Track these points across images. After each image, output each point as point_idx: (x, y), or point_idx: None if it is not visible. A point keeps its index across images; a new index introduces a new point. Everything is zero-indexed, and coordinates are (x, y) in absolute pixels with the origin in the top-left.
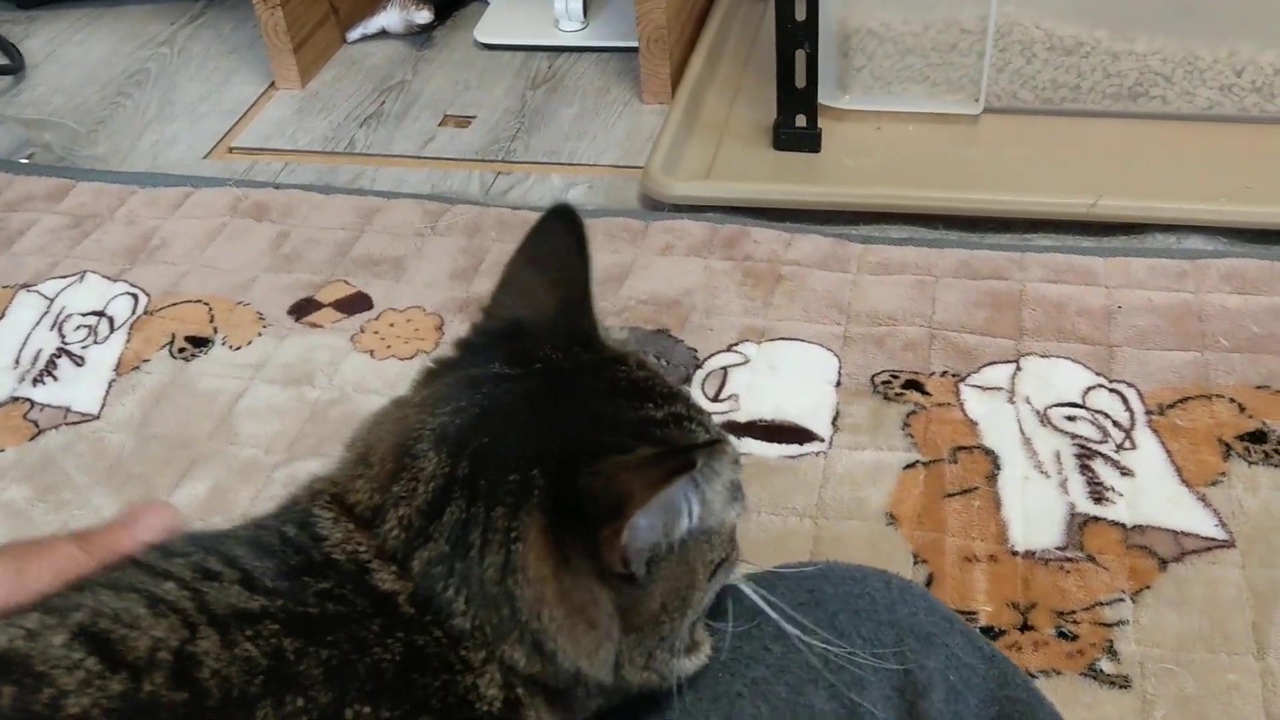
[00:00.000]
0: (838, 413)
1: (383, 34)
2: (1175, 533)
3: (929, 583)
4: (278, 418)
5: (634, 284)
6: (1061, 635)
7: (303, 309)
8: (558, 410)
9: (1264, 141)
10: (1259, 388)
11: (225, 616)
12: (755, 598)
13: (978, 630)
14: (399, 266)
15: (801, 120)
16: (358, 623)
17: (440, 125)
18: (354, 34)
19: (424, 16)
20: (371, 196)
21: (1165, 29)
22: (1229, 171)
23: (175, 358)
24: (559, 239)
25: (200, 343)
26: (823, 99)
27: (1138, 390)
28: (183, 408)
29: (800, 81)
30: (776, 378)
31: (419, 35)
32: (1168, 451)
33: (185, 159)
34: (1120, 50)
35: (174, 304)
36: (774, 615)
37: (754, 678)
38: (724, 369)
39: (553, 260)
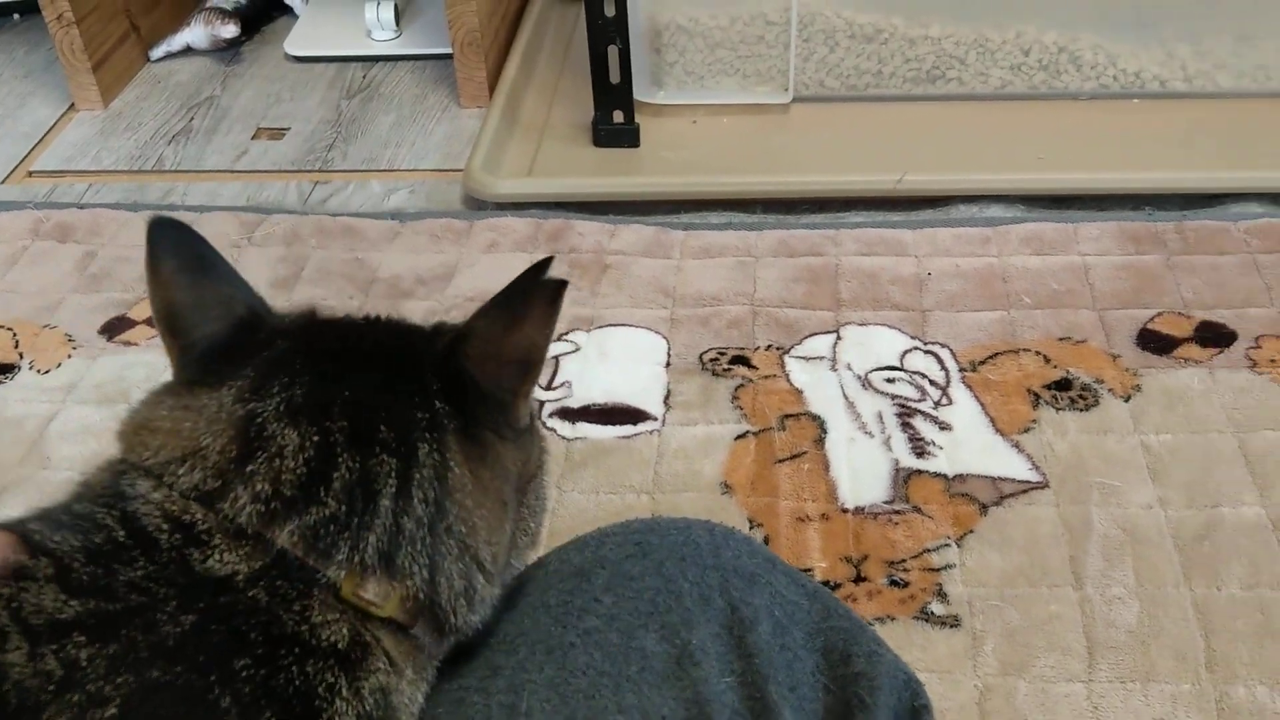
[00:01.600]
0: (669, 392)
1: (188, 51)
2: (993, 479)
3: (765, 543)
4: (93, 438)
5: (460, 283)
6: (893, 583)
7: (115, 328)
8: (375, 350)
9: (1053, 115)
10: (1061, 339)
11: (39, 628)
12: (585, 554)
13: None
14: None
15: (619, 116)
16: (159, 610)
17: (253, 139)
18: (158, 52)
19: (230, 31)
20: (183, 211)
21: (956, 14)
22: (1023, 144)
23: None
24: (178, 251)
25: (5, 369)
26: (639, 95)
27: (951, 350)
28: None
29: (615, 78)
30: (607, 363)
31: (226, 50)
32: (981, 404)
33: None
34: (916, 36)
35: None
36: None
37: (585, 628)
38: (555, 358)
39: (189, 269)
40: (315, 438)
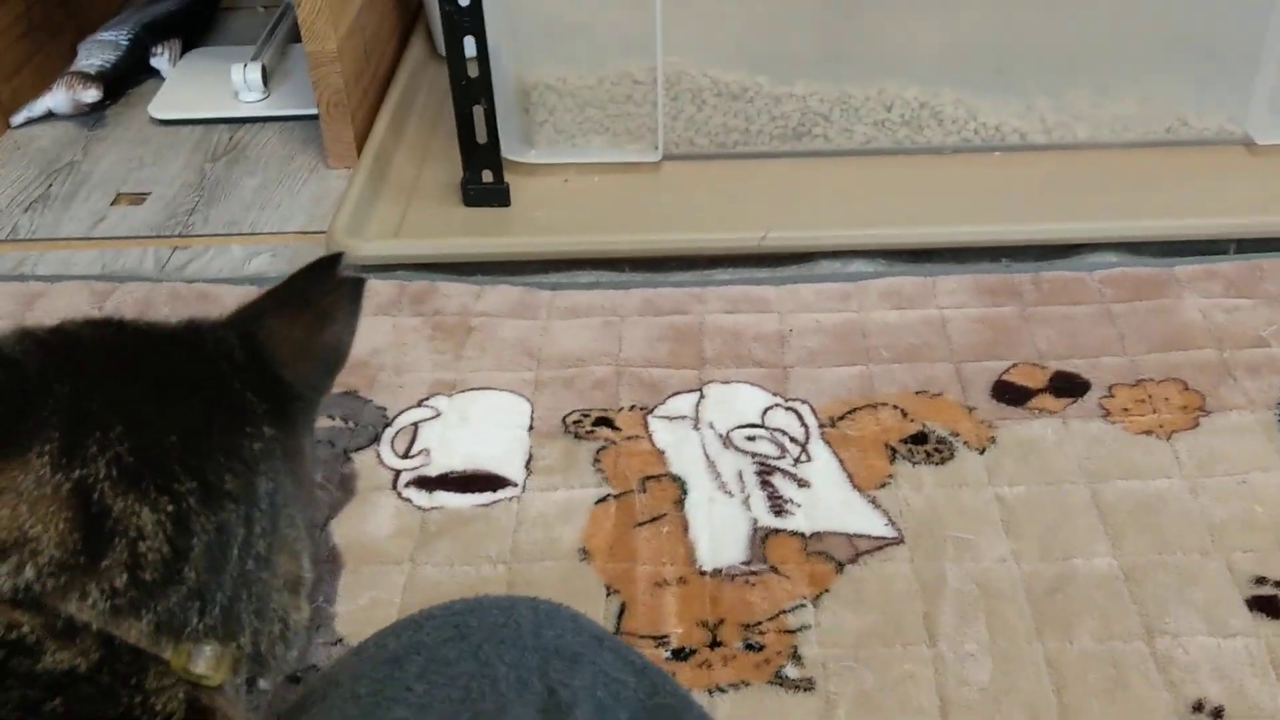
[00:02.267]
0: (530, 456)
1: (50, 116)
2: (849, 535)
3: (621, 612)
4: None
5: None
6: (749, 647)
7: None
8: (174, 370)
9: (916, 170)
10: (918, 392)
11: None
12: (401, 639)
13: (629, 647)
14: None
15: (488, 175)
16: None
17: (113, 204)
18: (19, 118)
19: (92, 95)
20: (33, 282)
21: (819, 73)
22: (887, 199)
23: None
24: None
25: None
26: (509, 154)
27: (811, 406)
28: None
29: (481, 137)
30: (469, 428)
31: (89, 115)
32: (840, 460)
33: None
34: (782, 93)
35: None
36: (418, 657)
37: (395, 718)
38: (414, 424)
39: None
40: (170, 508)
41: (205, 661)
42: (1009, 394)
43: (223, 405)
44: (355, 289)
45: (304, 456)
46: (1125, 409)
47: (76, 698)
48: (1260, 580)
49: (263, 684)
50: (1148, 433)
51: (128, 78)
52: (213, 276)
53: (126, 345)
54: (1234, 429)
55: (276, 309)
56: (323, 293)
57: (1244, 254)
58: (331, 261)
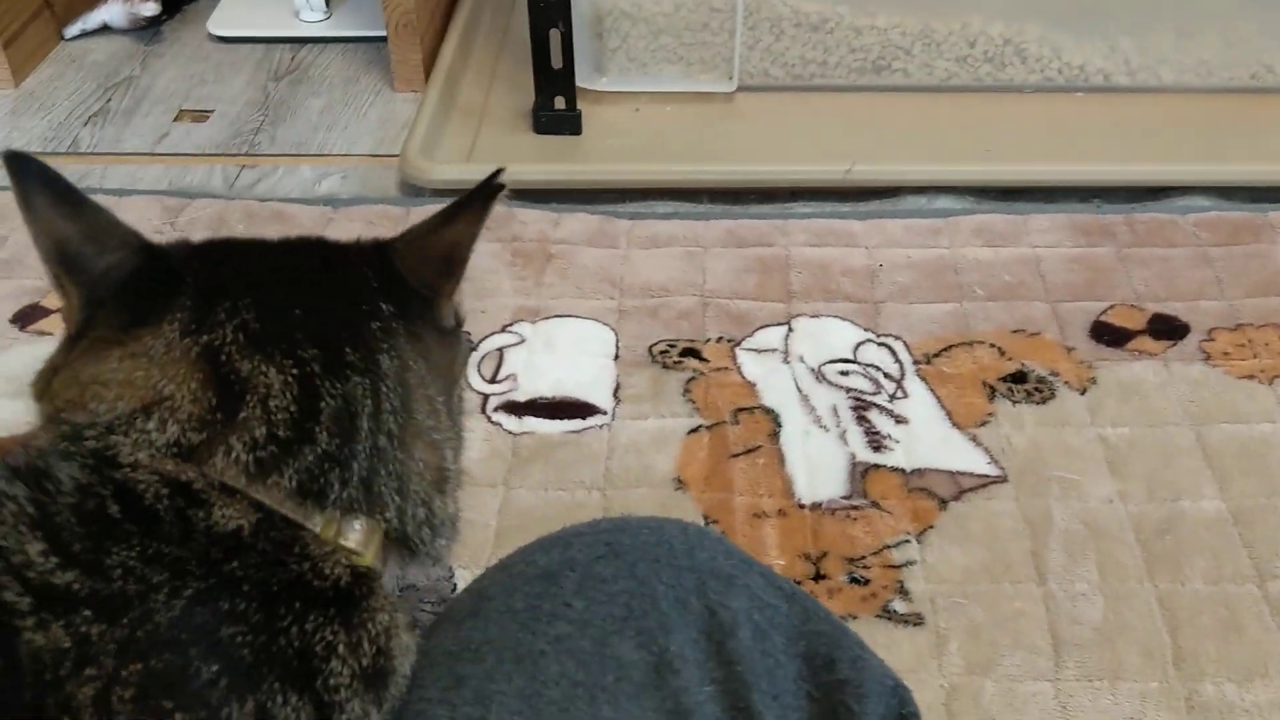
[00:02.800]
0: (618, 384)
1: (105, 29)
2: (951, 473)
3: None
4: (5, 433)
5: None
6: (854, 581)
7: (28, 316)
8: (303, 261)
9: (998, 108)
10: (1015, 331)
11: (36, 586)
12: (551, 555)
13: (775, 571)
14: None
15: (560, 102)
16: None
17: (175, 120)
18: (72, 30)
19: (150, 9)
20: (101, 195)
21: (902, 4)
22: (971, 136)
23: None
24: (47, 183)
25: None
26: (581, 82)
27: (904, 342)
28: None
29: (557, 63)
30: (554, 355)
31: (145, 29)
32: (937, 398)
33: None
34: (862, 25)
35: None
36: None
37: (556, 634)
38: (500, 350)
39: (65, 200)
40: (294, 371)
41: (356, 535)
42: (1108, 335)
43: (347, 292)
44: (490, 190)
45: (432, 355)
46: (1225, 353)
47: (249, 562)
48: None
49: (412, 575)
50: (1250, 377)
51: None
52: (284, 196)
53: (266, 244)
54: None
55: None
56: (462, 199)
57: None
58: (492, 176)
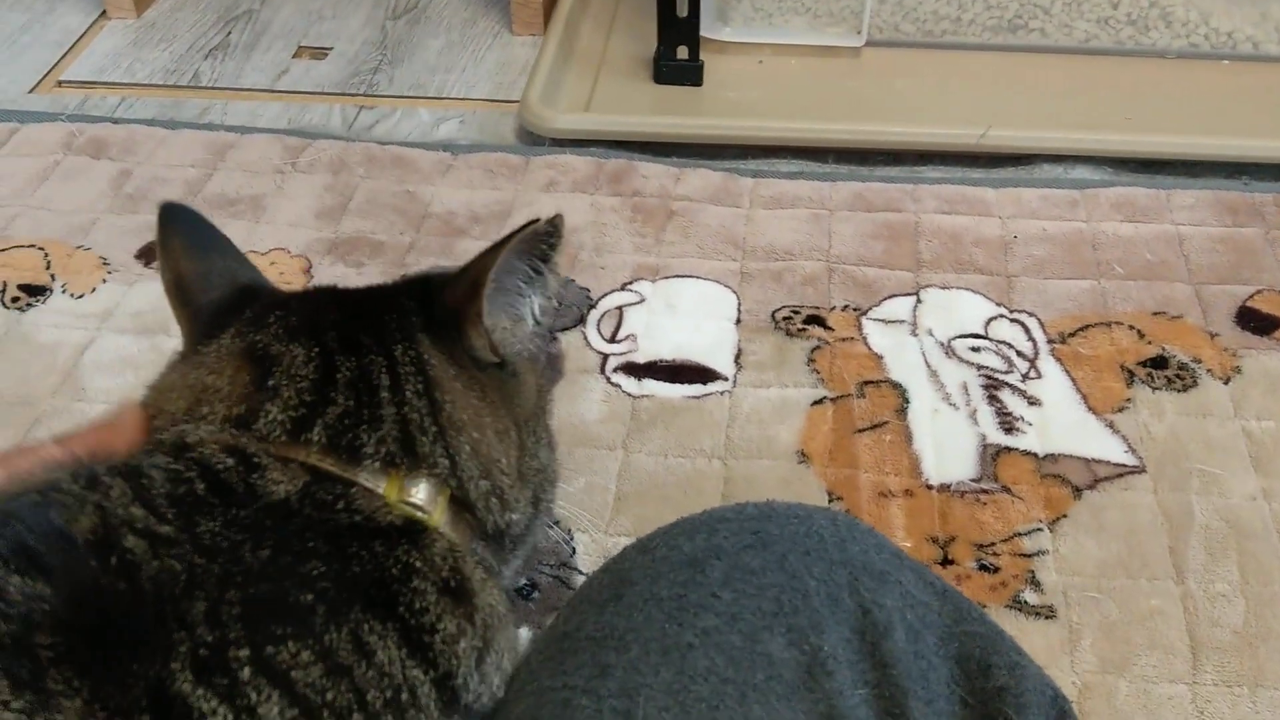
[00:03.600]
0: (740, 350)
1: None
2: (1087, 460)
3: None
4: (131, 370)
5: (517, 222)
6: (983, 568)
7: (152, 253)
8: (361, 294)
9: (1141, 73)
10: (1155, 314)
11: (147, 534)
12: (696, 541)
13: (925, 566)
14: (258, 206)
15: (683, 52)
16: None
17: (294, 57)
18: None
19: None
20: (223, 132)
21: None
22: (1109, 103)
23: (9, 308)
24: (187, 230)
25: (36, 291)
26: (703, 31)
27: (1039, 319)
28: (20, 363)
29: (682, 11)
30: (675, 316)
31: None
32: (1073, 380)
33: (8, 93)
34: None
35: (3, 249)
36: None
37: (704, 627)
38: (619, 309)
39: (197, 245)
40: (315, 349)
41: (421, 494)
42: (1254, 321)
43: (379, 304)
44: (514, 233)
45: (468, 371)
46: None
47: (308, 515)
48: None
49: (507, 574)
50: None
51: None
52: (403, 139)
53: (342, 289)
54: None
55: None
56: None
57: None
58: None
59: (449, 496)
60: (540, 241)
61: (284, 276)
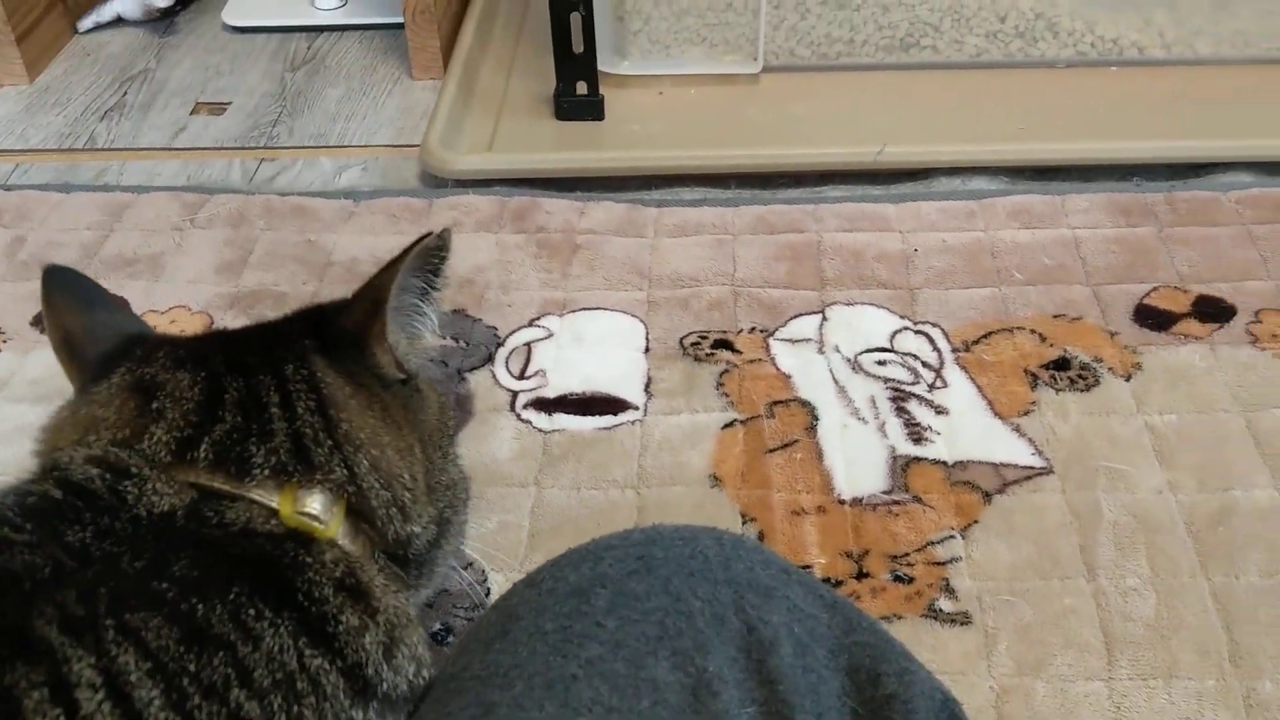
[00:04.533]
0: (649, 379)
1: (119, 21)
2: (995, 465)
3: (760, 539)
4: (28, 439)
5: None
6: (898, 579)
7: None
8: (251, 328)
9: (1030, 84)
10: (1056, 316)
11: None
12: (582, 571)
13: (815, 578)
14: (156, 265)
15: (582, 87)
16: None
17: (192, 114)
18: (86, 22)
19: (163, 0)
20: (119, 192)
21: None
22: (1002, 114)
23: None
24: (70, 289)
25: None
26: (602, 66)
27: (942, 329)
28: None
29: (578, 47)
30: (583, 349)
31: (160, 21)
32: (978, 386)
33: None
34: (890, 2)
35: None
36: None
37: (588, 657)
38: (527, 345)
39: (81, 303)
40: (201, 374)
41: (316, 504)
42: (1152, 318)
43: (270, 332)
44: (409, 248)
45: (371, 389)
46: (1274, 335)
47: (189, 530)
48: None
49: (414, 601)
50: None
51: None
52: (304, 189)
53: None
54: None
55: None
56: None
57: None
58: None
59: (346, 508)
60: (432, 256)
61: (184, 334)
